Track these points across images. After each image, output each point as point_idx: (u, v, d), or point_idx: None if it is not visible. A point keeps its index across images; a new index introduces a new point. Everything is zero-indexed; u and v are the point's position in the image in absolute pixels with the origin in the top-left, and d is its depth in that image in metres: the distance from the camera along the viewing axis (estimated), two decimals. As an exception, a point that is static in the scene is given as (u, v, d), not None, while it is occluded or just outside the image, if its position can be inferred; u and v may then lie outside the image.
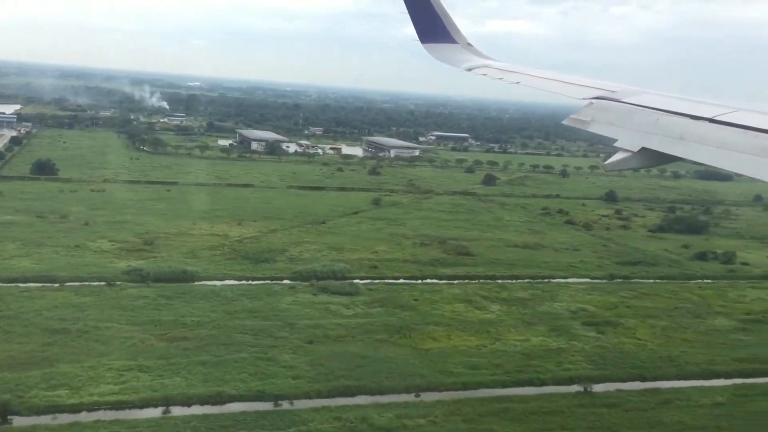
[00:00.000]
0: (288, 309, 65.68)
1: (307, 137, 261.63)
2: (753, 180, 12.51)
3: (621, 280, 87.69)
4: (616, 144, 15.23)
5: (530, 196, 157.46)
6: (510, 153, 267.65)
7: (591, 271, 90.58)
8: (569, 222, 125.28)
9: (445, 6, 27.93)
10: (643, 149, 14.56)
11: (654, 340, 64.84)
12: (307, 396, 48.10)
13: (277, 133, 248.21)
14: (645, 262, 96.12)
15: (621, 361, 59.04)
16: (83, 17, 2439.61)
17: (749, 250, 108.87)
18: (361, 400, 48.80)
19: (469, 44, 28.09)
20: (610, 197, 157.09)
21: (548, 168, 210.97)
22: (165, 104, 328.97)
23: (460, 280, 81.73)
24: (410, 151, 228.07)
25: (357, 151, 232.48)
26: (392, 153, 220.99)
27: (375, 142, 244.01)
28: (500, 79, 23.29)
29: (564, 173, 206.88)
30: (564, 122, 18.48)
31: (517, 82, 22.56)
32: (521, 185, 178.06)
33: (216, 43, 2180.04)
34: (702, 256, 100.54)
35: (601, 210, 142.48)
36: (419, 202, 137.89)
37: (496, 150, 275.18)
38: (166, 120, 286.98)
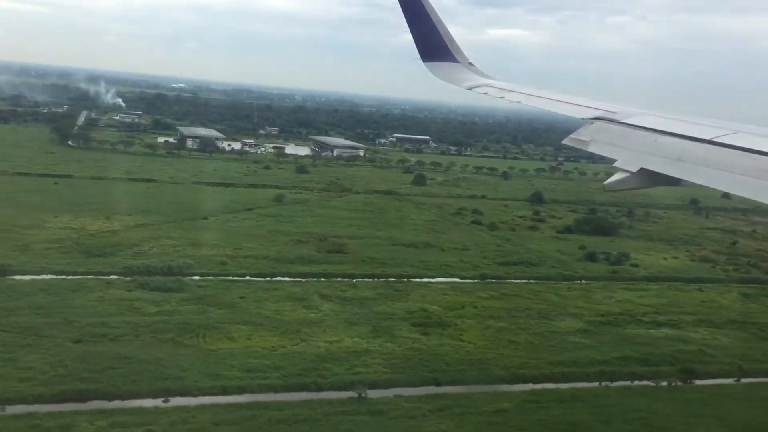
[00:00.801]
0: (84, 305, 60.62)
1: (258, 136, 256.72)
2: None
3: (493, 280, 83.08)
4: (616, 164, 15.20)
5: (456, 196, 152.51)
6: (465, 155, 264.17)
7: (465, 271, 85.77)
8: (475, 222, 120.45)
9: (443, 17, 27.80)
10: (642, 170, 14.48)
11: (478, 342, 60.06)
12: (24, 401, 43.17)
13: (229, 132, 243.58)
14: (527, 263, 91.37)
15: (423, 364, 54.16)
16: (75, 18, 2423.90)
17: (650, 253, 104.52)
18: (93, 405, 43.92)
19: (470, 63, 28.45)
20: (537, 199, 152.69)
21: (492, 170, 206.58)
22: (120, 101, 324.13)
23: (312, 278, 77.05)
24: (354, 150, 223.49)
25: (306, 150, 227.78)
26: (335, 152, 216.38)
27: (321, 142, 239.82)
28: (501, 98, 23.71)
29: (506, 175, 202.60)
30: (564, 142, 18.47)
31: (518, 101, 22.85)
32: (454, 186, 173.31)
33: (213, 46, 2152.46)
34: (592, 257, 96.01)
35: (522, 211, 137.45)
36: (329, 200, 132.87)
37: (452, 152, 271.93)
38: (118, 117, 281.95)
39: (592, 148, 17.04)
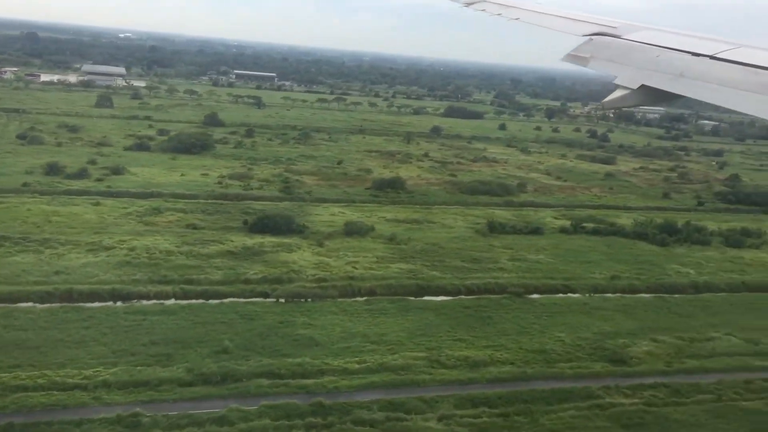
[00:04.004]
0: None
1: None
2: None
3: None
4: (616, 81, 14.62)
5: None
6: (286, 90, 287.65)
7: None
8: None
9: None
10: (643, 87, 13.94)
11: None
12: None
13: None
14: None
15: None
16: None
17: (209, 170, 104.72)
18: None
19: None
20: (211, 121, 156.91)
21: (255, 99, 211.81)
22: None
23: None
24: (109, 78, 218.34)
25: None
26: (86, 77, 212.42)
27: (92, 71, 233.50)
28: (498, 14, 22.59)
29: (260, 104, 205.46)
30: (562, 59, 17.94)
31: (516, 18, 21.89)
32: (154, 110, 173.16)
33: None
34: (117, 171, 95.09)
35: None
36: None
37: (283, 88, 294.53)
38: None
39: (592, 65, 16.36)
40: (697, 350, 52.07)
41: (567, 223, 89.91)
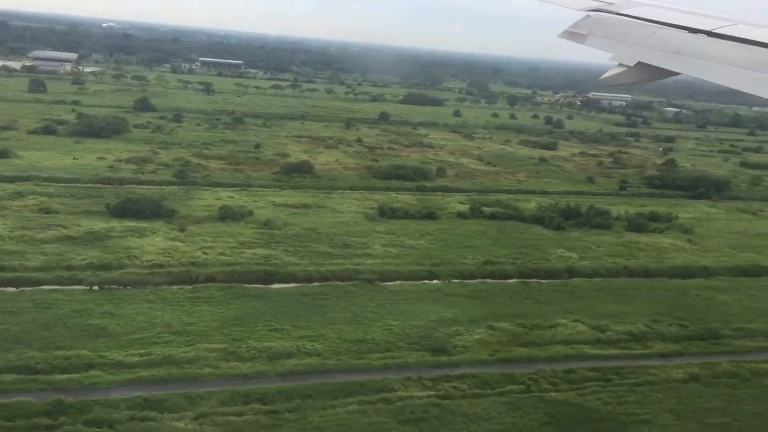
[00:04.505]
0: None
1: None
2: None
3: None
4: (612, 58, 14.71)
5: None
6: (249, 77, 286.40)
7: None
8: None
9: None
10: (640, 64, 13.99)
11: None
12: None
13: None
14: None
15: None
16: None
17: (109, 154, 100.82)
18: None
19: None
20: (142, 106, 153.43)
21: (205, 84, 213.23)
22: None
23: None
24: (57, 65, 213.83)
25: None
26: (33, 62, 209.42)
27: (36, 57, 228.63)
28: None
29: (208, 89, 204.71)
30: (559, 36, 17.60)
31: None
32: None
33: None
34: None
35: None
36: None
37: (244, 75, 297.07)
38: None
39: (589, 42, 16.06)
40: (534, 338, 49.11)
41: (463, 208, 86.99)
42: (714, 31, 13.26)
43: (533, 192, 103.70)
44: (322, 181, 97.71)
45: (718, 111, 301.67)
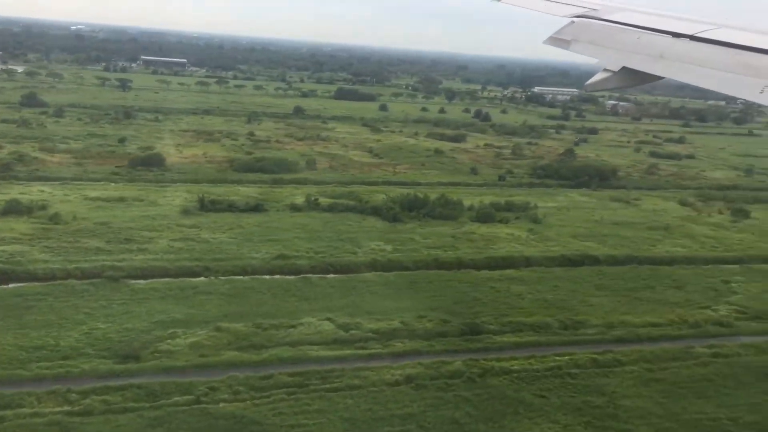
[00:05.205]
0: None
1: None
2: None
3: None
4: (598, 63, 14.82)
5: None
6: (185, 75, 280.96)
7: None
8: None
9: None
10: (624, 68, 14.17)
11: None
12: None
13: None
14: None
15: None
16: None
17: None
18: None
19: None
20: (29, 101, 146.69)
21: (121, 81, 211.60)
22: None
23: None
24: None
25: None
26: None
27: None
28: None
29: (124, 86, 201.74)
30: (544, 42, 17.71)
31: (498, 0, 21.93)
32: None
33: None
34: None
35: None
36: None
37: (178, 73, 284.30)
38: None
39: (573, 48, 16.19)
40: (262, 340, 43.52)
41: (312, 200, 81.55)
42: (696, 35, 13.27)
43: (403, 183, 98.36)
44: (167, 174, 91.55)
45: (664, 104, 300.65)
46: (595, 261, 66.36)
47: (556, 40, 16.98)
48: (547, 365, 42.48)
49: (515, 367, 41.87)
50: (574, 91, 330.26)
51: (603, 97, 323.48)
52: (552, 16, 19.50)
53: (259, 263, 58.75)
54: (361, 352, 43.11)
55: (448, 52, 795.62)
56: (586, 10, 17.79)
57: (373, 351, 43.36)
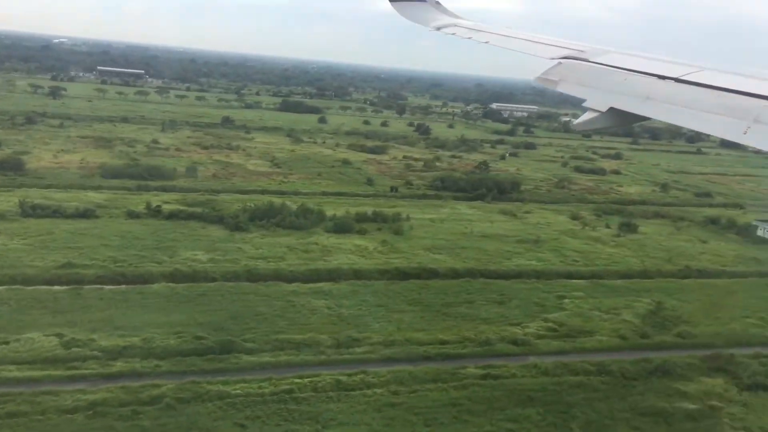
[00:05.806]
0: None
1: None
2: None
3: None
4: (585, 104, 14.81)
5: None
6: (136, 86, 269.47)
7: None
8: None
9: None
10: (611, 109, 14.28)
11: None
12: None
13: None
14: None
15: None
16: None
17: None
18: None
19: (437, 2, 27.21)
20: None
21: (53, 89, 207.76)
22: None
23: None
24: None
25: None
26: None
27: None
28: (469, 38, 22.48)
29: (55, 94, 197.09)
30: (532, 82, 18.26)
31: (486, 42, 21.88)
32: None
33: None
34: None
35: None
36: None
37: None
38: None
39: (561, 88, 16.47)
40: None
41: (167, 207, 75.87)
42: (681, 78, 13.52)
43: (282, 193, 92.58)
44: (18, 179, 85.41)
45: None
46: (432, 274, 60.96)
47: (544, 80, 17.30)
48: (279, 388, 36.80)
49: (237, 392, 36.15)
50: (533, 108, 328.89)
51: (560, 114, 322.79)
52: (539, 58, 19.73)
53: (37, 272, 52.72)
54: (68, 373, 37.25)
55: (453, 74, 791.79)
56: (572, 51, 18.09)
57: (83, 372, 37.49)
